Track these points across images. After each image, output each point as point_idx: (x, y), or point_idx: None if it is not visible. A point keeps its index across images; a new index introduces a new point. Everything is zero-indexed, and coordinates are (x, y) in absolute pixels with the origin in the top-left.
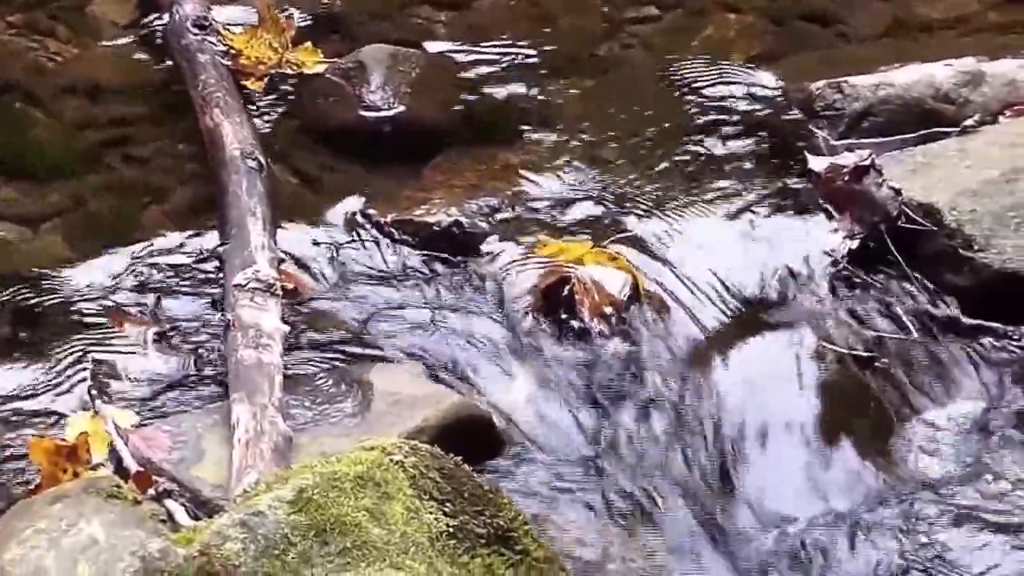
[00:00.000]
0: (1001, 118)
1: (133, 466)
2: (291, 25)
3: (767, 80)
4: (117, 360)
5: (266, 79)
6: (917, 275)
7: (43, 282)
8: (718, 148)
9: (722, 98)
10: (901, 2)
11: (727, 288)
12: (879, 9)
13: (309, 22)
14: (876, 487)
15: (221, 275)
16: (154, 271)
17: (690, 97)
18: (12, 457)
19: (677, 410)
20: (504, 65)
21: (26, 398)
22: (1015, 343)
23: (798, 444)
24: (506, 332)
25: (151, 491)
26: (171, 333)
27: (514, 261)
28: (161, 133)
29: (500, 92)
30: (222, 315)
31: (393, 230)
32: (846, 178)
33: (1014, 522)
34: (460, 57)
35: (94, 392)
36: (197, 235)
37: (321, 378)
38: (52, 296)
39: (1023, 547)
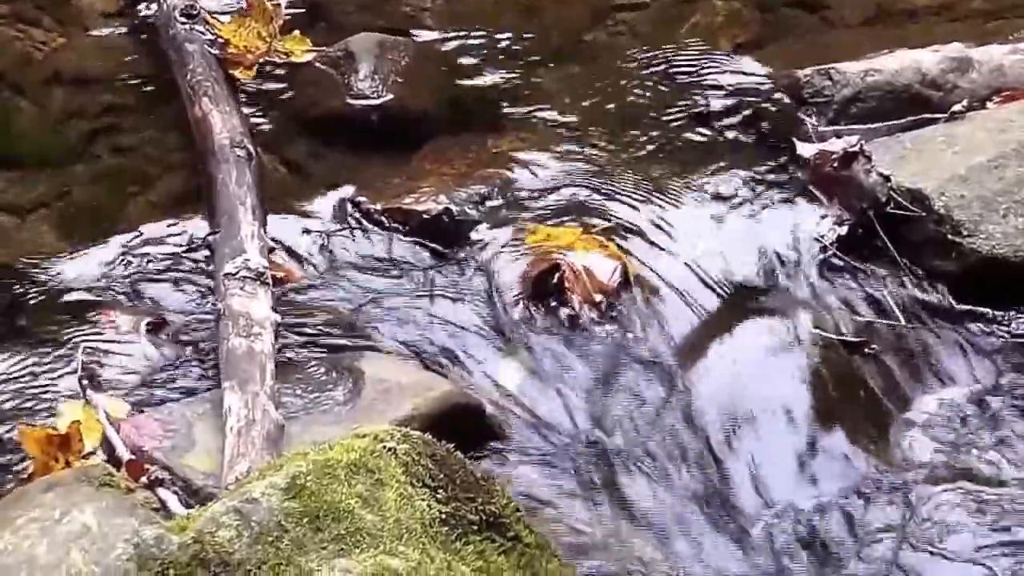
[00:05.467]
0: (989, 104)
1: (125, 455)
2: (279, 14)
3: (755, 67)
4: (108, 349)
5: (254, 68)
6: (906, 261)
7: (32, 271)
8: (707, 135)
9: (710, 85)
10: None
11: (717, 274)
12: None
13: (297, 11)
14: (866, 472)
15: (211, 264)
16: (144, 260)
17: (678, 84)
18: (4, 446)
19: (667, 397)
20: (493, 53)
21: (17, 388)
22: (1003, 328)
23: (789, 430)
24: (496, 319)
25: (143, 479)
26: (162, 322)
27: (504, 248)
28: (149, 123)
29: (489, 80)
30: (213, 304)
31: (383, 218)
32: (835, 164)
33: (1004, 506)
34: (449, 45)
35: (85, 381)
36: (187, 224)
37: (312, 366)
38: (41, 285)
39: (1014, 532)
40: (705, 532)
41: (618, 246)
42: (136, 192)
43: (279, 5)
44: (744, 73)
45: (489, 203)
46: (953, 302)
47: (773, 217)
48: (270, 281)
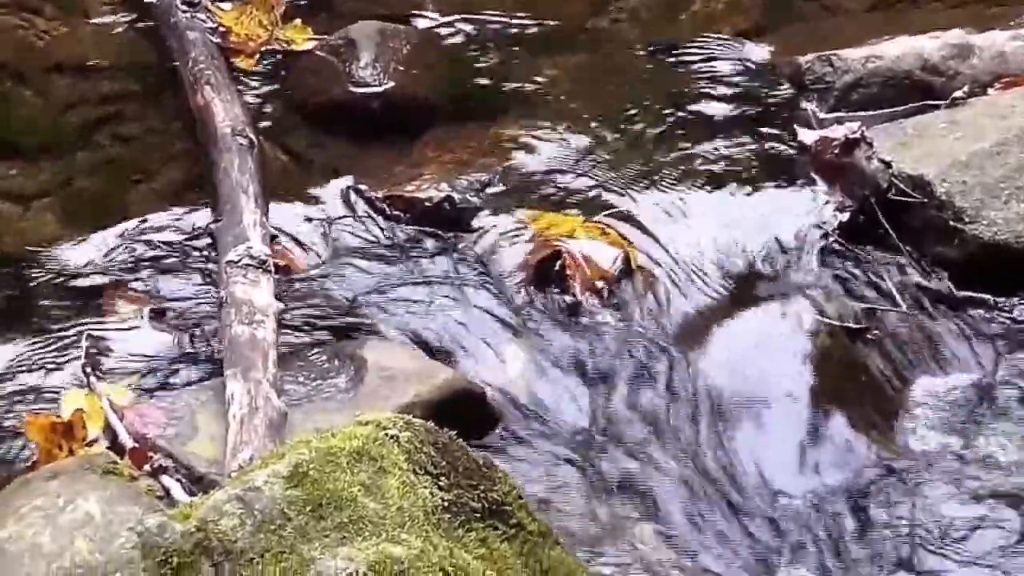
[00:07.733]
0: (991, 90)
1: (129, 443)
2: (280, 2)
3: (756, 53)
4: (111, 337)
5: (256, 56)
6: (907, 247)
7: (35, 260)
8: (708, 122)
9: (711, 72)
10: None
11: (718, 261)
12: None
13: None
14: (868, 459)
15: (214, 252)
16: (146, 249)
17: (680, 71)
18: (8, 435)
19: (669, 383)
20: (494, 41)
21: (21, 376)
22: (1005, 314)
23: (790, 416)
24: (498, 306)
25: (147, 467)
26: (165, 310)
27: (505, 236)
28: (151, 111)
29: (490, 67)
30: (215, 292)
31: (384, 206)
32: (836, 151)
33: (1005, 491)
34: (450, 33)
35: (89, 369)
36: (189, 212)
37: (314, 354)
38: (45, 274)
39: (1016, 517)
40: (707, 518)
41: (619, 233)
42: (138, 180)
43: None
44: (745, 60)
45: (490, 190)
46: (954, 288)
47: (775, 204)
48: (272, 269)
